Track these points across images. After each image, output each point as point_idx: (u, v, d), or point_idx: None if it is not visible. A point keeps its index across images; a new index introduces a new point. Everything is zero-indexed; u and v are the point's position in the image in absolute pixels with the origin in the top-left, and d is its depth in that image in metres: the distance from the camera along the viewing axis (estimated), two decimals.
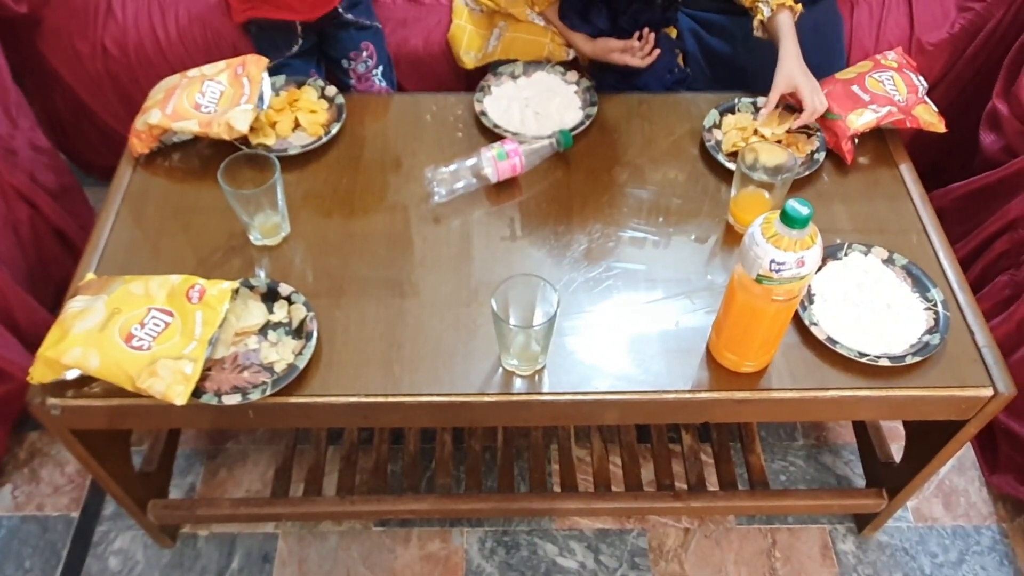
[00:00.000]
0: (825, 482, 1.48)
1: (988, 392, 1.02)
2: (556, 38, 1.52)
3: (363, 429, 1.45)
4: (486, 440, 1.44)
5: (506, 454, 1.40)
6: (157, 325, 0.98)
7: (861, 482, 1.47)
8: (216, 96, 1.24)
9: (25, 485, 1.46)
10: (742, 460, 1.44)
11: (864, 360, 1.01)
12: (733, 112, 1.31)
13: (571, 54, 1.55)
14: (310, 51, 1.55)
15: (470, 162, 1.20)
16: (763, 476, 1.37)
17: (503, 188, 1.23)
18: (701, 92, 1.41)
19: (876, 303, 1.08)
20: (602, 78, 1.46)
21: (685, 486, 1.37)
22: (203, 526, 1.41)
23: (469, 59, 1.58)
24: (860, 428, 1.46)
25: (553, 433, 1.47)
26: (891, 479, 1.31)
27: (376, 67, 1.57)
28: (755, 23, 1.33)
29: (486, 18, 1.59)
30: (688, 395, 1.01)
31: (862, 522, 1.40)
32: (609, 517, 1.42)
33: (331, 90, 1.34)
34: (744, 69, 1.51)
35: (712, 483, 1.41)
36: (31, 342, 1.37)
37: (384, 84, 1.59)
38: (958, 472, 1.50)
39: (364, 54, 1.55)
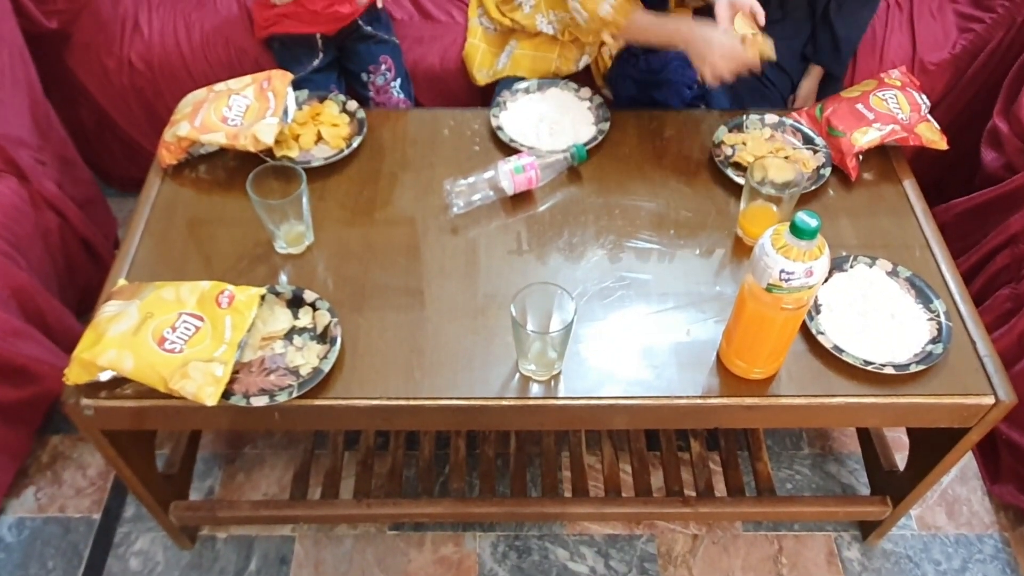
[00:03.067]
0: (830, 490, 1.51)
1: (990, 400, 1.05)
2: (564, 52, 1.56)
3: (379, 435, 1.48)
4: (499, 446, 1.47)
5: (519, 460, 1.44)
6: (188, 329, 1.02)
7: (866, 490, 1.50)
8: (242, 110, 1.28)
9: (48, 487, 1.50)
10: (749, 468, 1.47)
11: (869, 368, 1.04)
12: (741, 129, 1.36)
13: (580, 65, 1.59)
14: (330, 66, 1.60)
15: (487, 175, 1.24)
16: (770, 483, 1.40)
17: (519, 201, 1.27)
18: (710, 109, 1.46)
19: (881, 313, 1.11)
20: (622, 87, 1.50)
21: (694, 492, 1.40)
22: (222, 528, 1.44)
23: (481, 76, 1.63)
24: (865, 437, 1.49)
25: (565, 439, 1.50)
26: (895, 487, 1.34)
27: (394, 79, 1.62)
28: None
29: (500, 37, 1.64)
30: (699, 400, 1.05)
31: (867, 530, 1.43)
32: (619, 522, 1.45)
33: (352, 104, 1.38)
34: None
35: (720, 490, 1.44)
36: (61, 347, 1.41)
37: (402, 96, 1.64)
38: (960, 482, 1.53)
39: (383, 67, 1.61)
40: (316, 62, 1.57)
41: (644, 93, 1.49)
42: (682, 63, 1.51)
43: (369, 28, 1.58)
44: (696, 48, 1.29)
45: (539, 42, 1.57)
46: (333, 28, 1.54)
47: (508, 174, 1.23)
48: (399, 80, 1.64)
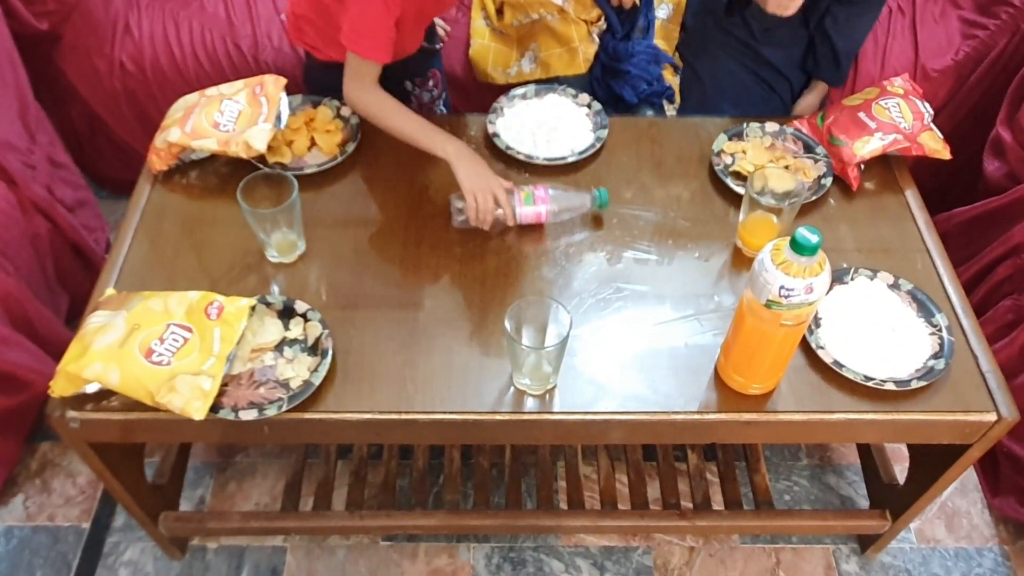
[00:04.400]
0: (829, 502, 1.50)
1: (992, 417, 1.03)
2: (580, 32, 1.53)
3: (372, 444, 1.47)
4: (494, 457, 1.45)
5: (514, 471, 1.42)
6: (176, 341, 1.00)
7: (864, 502, 1.48)
8: (234, 115, 1.26)
9: (37, 496, 1.48)
10: (747, 479, 1.45)
11: (870, 384, 1.03)
12: (741, 137, 1.34)
13: (596, 38, 1.57)
14: None
15: None
16: (768, 496, 1.39)
17: None
18: (709, 116, 1.44)
19: (882, 327, 1.09)
20: (595, 66, 1.51)
21: (691, 505, 1.38)
22: (213, 539, 1.42)
23: (498, 75, 1.60)
24: (864, 449, 1.47)
25: (560, 451, 1.49)
26: (895, 500, 1.32)
27: (439, 97, 1.54)
28: None
29: (510, 38, 1.61)
30: (696, 416, 1.03)
31: (865, 543, 1.42)
32: (615, 535, 1.43)
33: (346, 110, 1.36)
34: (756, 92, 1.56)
35: (717, 502, 1.42)
36: (50, 353, 1.39)
37: (443, 111, 1.57)
38: (960, 494, 1.51)
39: (430, 83, 1.50)
40: None
41: (604, 78, 1.48)
42: (648, 57, 1.49)
43: (425, 43, 1.42)
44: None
45: (559, 33, 1.54)
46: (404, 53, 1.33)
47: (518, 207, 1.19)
48: (444, 95, 1.55)
